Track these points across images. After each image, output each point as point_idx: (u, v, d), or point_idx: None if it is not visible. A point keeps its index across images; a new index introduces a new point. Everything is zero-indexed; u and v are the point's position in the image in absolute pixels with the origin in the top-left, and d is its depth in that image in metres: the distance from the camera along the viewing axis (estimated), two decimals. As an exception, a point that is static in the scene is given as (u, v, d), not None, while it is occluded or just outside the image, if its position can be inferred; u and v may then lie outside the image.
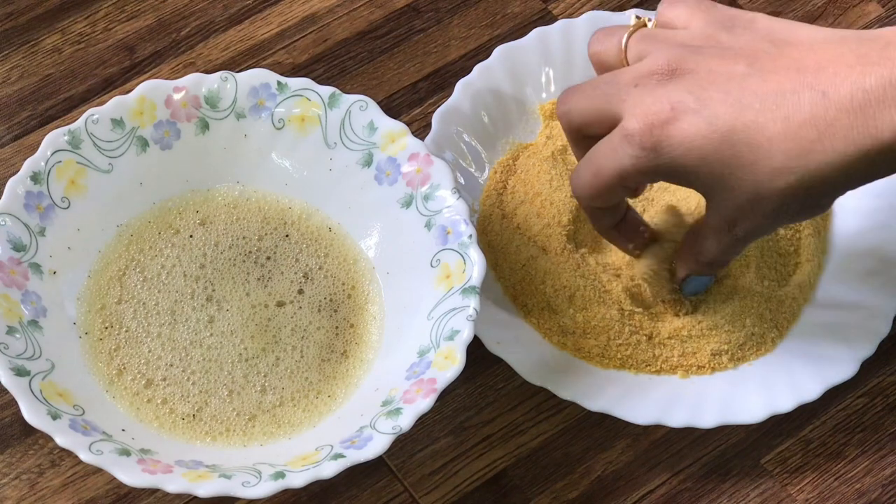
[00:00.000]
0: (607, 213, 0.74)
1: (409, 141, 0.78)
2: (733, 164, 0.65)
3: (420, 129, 0.86)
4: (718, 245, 0.71)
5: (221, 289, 0.77)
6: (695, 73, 0.66)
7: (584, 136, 0.71)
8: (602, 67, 0.72)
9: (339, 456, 0.69)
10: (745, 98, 0.64)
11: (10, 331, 0.72)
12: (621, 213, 0.75)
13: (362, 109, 0.78)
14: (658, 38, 0.69)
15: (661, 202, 0.81)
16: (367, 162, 0.78)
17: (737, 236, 0.70)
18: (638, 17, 0.71)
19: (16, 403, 0.70)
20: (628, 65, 0.70)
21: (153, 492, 0.74)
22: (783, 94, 0.64)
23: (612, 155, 0.68)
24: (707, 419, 0.75)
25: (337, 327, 0.77)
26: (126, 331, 0.76)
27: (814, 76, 0.63)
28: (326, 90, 0.79)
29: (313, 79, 0.80)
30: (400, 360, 0.74)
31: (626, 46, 0.70)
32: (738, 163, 0.65)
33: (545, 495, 0.75)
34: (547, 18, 0.91)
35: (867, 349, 0.77)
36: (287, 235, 0.79)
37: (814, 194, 0.65)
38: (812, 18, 0.92)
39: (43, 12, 0.91)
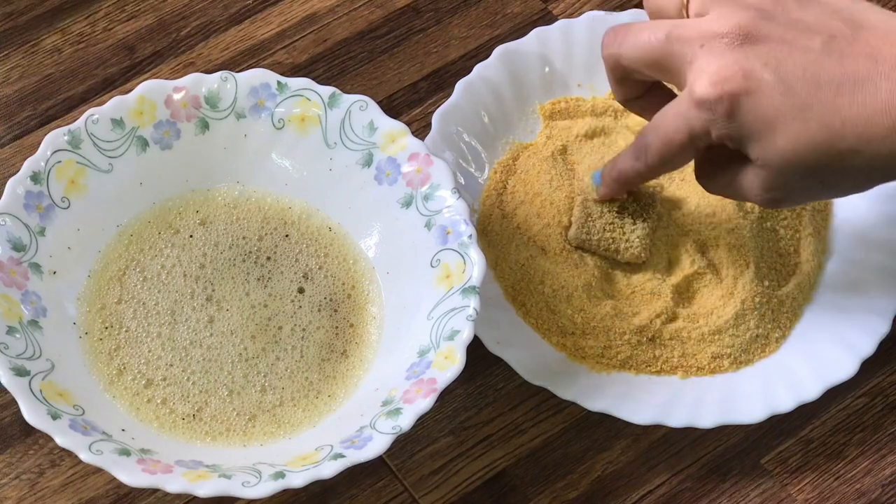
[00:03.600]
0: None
1: (409, 141, 0.78)
2: (803, 140, 0.65)
3: (420, 129, 0.86)
4: (730, 186, 0.70)
5: (221, 289, 0.77)
6: (768, 42, 0.66)
7: (630, 77, 0.71)
8: (656, 14, 0.71)
9: (338, 456, 0.69)
10: (822, 77, 0.65)
11: (10, 331, 0.72)
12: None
13: (362, 109, 0.78)
14: None
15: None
16: (367, 162, 0.78)
17: (763, 197, 0.69)
18: None
19: (16, 403, 0.70)
20: (688, 16, 0.69)
21: (153, 492, 0.74)
22: (860, 81, 0.64)
23: (681, 121, 0.67)
24: (707, 419, 0.75)
25: (337, 327, 0.77)
26: (126, 331, 0.76)
27: (891, 67, 0.64)
28: (326, 90, 0.79)
29: (313, 79, 0.80)
30: (400, 360, 0.74)
31: None
32: (808, 140, 0.65)
33: (545, 495, 0.75)
34: (547, 18, 0.91)
35: (867, 349, 0.77)
36: (287, 235, 0.79)
37: (872, 177, 0.66)
38: (812, 18, 0.92)
39: (43, 12, 0.91)
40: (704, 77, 0.66)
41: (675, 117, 0.68)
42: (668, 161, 0.71)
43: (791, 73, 0.65)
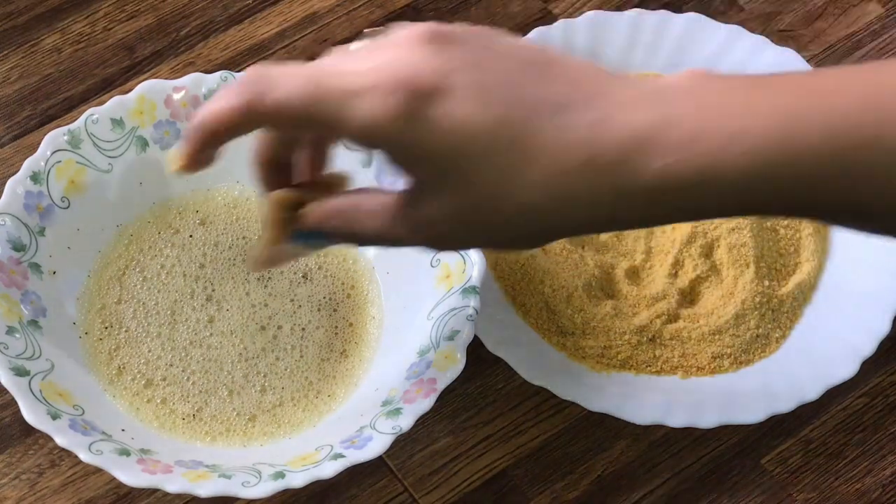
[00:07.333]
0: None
1: (409, 141, 0.78)
2: (489, 162, 0.53)
3: (420, 129, 0.86)
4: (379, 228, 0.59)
5: (221, 289, 0.77)
6: (466, 45, 0.54)
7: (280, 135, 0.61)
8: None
9: (338, 456, 0.69)
10: (525, 92, 0.53)
11: (10, 331, 0.72)
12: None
13: (362, 109, 0.78)
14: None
15: None
16: (367, 162, 0.78)
17: (403, 239, 0.58)
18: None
19: (16, 403, 0.70)
20: None
21: (153, 492, 0.74)
22: (561, 105, 0.53)
23: (348, 88, 0.53)
24: (707, 419, 0.75)
25: (336, 327, 0.77)
26: (126, 331, 0.76)
27: (589, 100, 0.53)
28: (326, 90, 0.79)
29: (313, 79, 0.80)
30: (400, 360, 0.74)
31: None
32: (494, 163, 0.53)
33: (545, 495, 0.75)
34: (547, 18, 0.91)
35: (867, 349, 0.77)
36: (287, 235, 0.79)
37: (550, 222, 0.55)
38: (812, 18, 0.92)
39: (43, 12, 0.91)
40: (388, 68, 0.53)
41: (345, 76, 0.54)
42: (300, 112, 0.56)
43: (491, 82, 0.53)
